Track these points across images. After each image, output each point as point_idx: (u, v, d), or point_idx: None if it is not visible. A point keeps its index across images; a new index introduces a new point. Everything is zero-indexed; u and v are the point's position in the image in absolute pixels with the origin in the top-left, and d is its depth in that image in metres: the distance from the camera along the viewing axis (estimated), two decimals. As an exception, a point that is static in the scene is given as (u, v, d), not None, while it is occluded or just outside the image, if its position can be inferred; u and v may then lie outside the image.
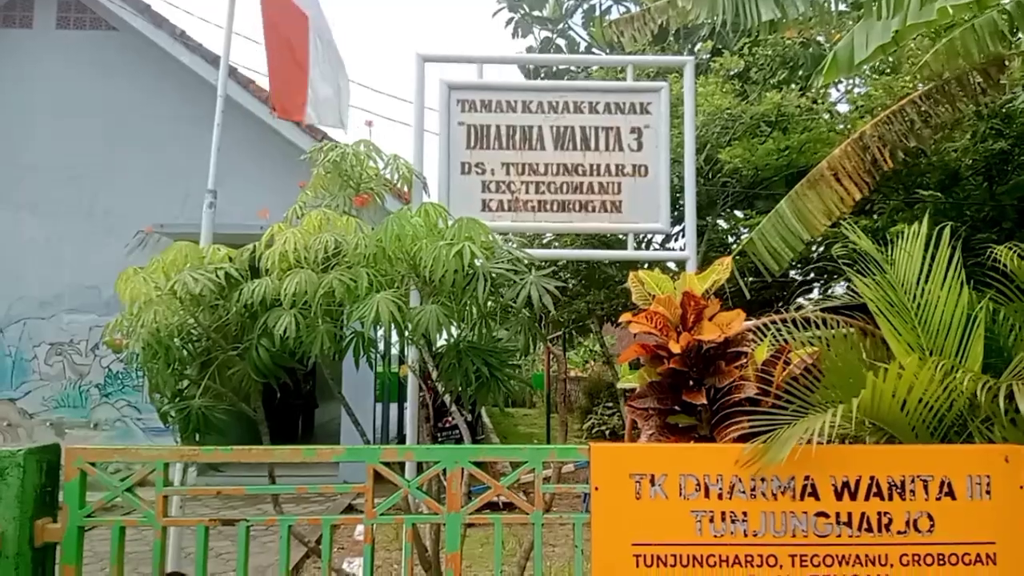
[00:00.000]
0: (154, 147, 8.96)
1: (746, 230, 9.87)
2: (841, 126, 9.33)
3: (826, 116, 9.51)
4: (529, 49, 15.98)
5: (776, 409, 2.58)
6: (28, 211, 8.96)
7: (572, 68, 12.73)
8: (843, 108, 10.10)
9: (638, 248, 7.04)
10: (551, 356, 15.79)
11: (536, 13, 15.85)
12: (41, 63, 8.98)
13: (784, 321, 3.54)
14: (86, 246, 8.93)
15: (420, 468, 3.59)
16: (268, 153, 8.76)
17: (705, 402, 2.69)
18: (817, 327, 3.50)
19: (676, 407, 2.76)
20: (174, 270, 3.49)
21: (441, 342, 3.84)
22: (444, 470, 2.54)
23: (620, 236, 6.67)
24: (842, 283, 8.75)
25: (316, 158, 4.40)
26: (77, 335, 9.09)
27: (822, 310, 3.66)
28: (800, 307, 6.81)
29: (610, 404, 14.64)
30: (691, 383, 2.78)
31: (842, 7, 8.33)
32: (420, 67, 4.98)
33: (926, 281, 3.04)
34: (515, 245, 6.72)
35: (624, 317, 2.96)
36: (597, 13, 15.22)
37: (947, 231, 3.06)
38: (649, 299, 3.09)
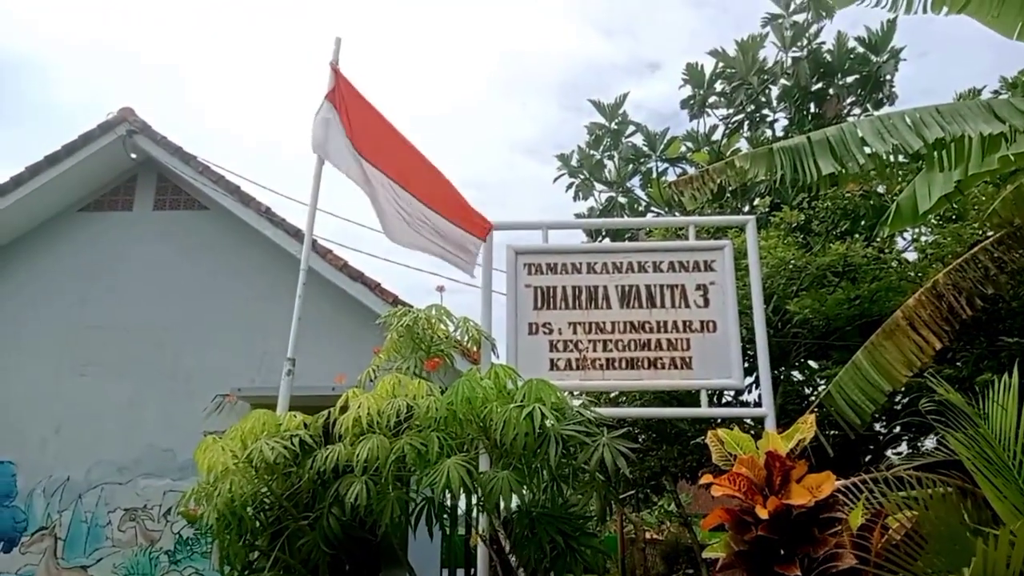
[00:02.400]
0: (236, 314, 9.39)
1: (822, 381, 9.55)
2: (912, 274, 9.19)
3: (895, 264, 9.40)
4: (591, 210, 16.53)
5: (879, 582, 2.38)
6: (114, 374, 9.36)
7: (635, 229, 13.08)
8: (911, 256, 9.99)
9: (711, 404, 6.86)
10: (624, 518, 15.10)
11: (596, 177, 16.54)
12: (137, 241, 9.72)
13: (876, 481, 3.34)
14: (166, 409, 9.20)
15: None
16: (344, 318, 9.07)
17: (799, 574, 2.50)
18: (912, 487, 3.29)
19: (768, 580, 2.57)
20: (251, 438, 3.54)
21: (512, 505, 3.73)
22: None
23: (691, 392, 6.53)
24: (932, 437, 8.26)
25: (390, 323, 4.53)
26: (151, 500, 9.17)
27: (915, 468, 3.45)
28: (890, 464, 6.42)
29: (690, 571, 13.72)
30: (782, 552, 2.60)
31: (900, 158, 8.45)
32: (488, 234, 5.19)
33: (1028, 437, 2.85)
34: (584, 404, 6.63)
35: (705, 478, 2.84)
36: (655, 175, 15.77)
37: (1042, 382, 2.91)
38: (730, 459, 2.97)
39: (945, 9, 5.71)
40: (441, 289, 5.31)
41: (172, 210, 9.90)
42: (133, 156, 9.53)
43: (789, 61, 13.66)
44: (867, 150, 5.75)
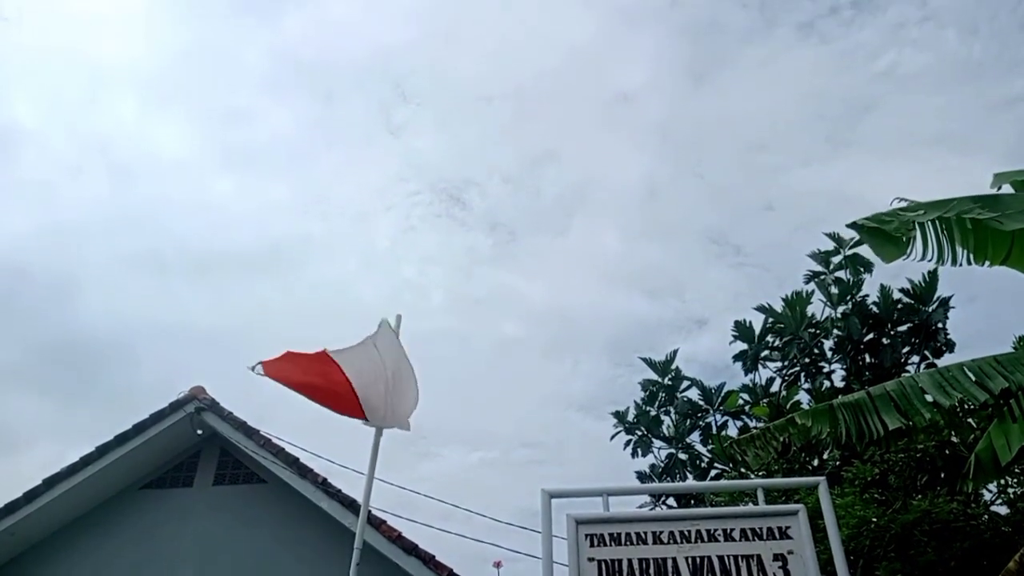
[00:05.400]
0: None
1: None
2: (1006, 529, 8.47)
3: (985, 518, 8.71)
4: (652, 467, 16.04)
5: None
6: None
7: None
8: (1002, 510, 9.28)
9: None
10: None
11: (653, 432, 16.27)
12: (194, 517, 9.67)
13: None
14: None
15: None
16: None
17: None
18: None
19: None
20: None
21: None
22: None
23: None
24: None
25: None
26: None
27: None
28: None
29: None
30: None
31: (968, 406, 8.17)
32: (546, 503, 5.03)
33: None
34: None
35: None
36: (715, 429, 15.46)
37: None
38: None
39: (987, 261, 5.85)
40: (499, 565, 5.05)
41: (231, 484, 9.94)
42: (199, 432, 9.81)
43: (838, 315, 13.86)
44: (929, 398, 5.61)
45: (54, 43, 29.34)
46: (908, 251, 5.84)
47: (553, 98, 32.15)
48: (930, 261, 6.22)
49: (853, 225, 6.10)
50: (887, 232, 5.82)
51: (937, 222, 5.68)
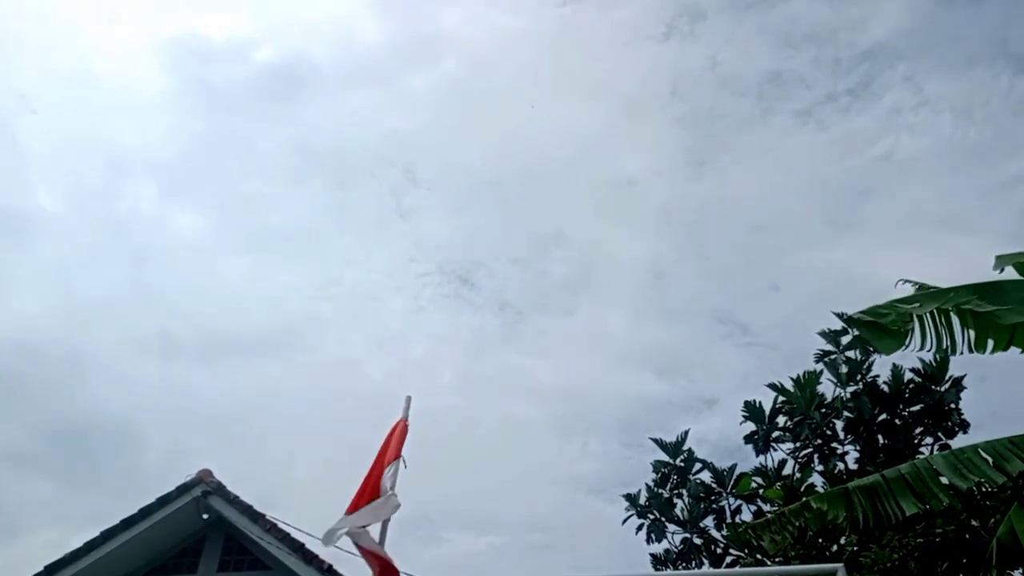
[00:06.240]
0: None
1: None
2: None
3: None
4: (666, 552, 15.62)
5: None
6: None
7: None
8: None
9: None
10: None
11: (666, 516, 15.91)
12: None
13: None
14: None
15: None
16: None
17: None
18: None
19: None
20: None
21: None
22: None
23: None
24: None
25: None
26: None
27: None
28: None
29: None
30: None
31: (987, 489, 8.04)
32: None
33: None
34: None
35: None
36: (728, 513, 15.14)
37: None
38: None
39: (991, 345, 5.87)
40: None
41: (236, 571, 9.74)
42: (205, 516, 9.67)
43: (848, 395, 13.75)
44: (945, 481, 5.53)
45: (77, 131, 30.37)
46: (907, 342, 5.87)
47: (560, 181, 32.83)
48: (929, 351, 6.23)
49: (850, 319, 6.18)
50: (884, 325, 5.86)
51: (936, 312, 5.74)
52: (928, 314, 5.78)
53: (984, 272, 6.26)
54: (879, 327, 5.90)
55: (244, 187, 31.22)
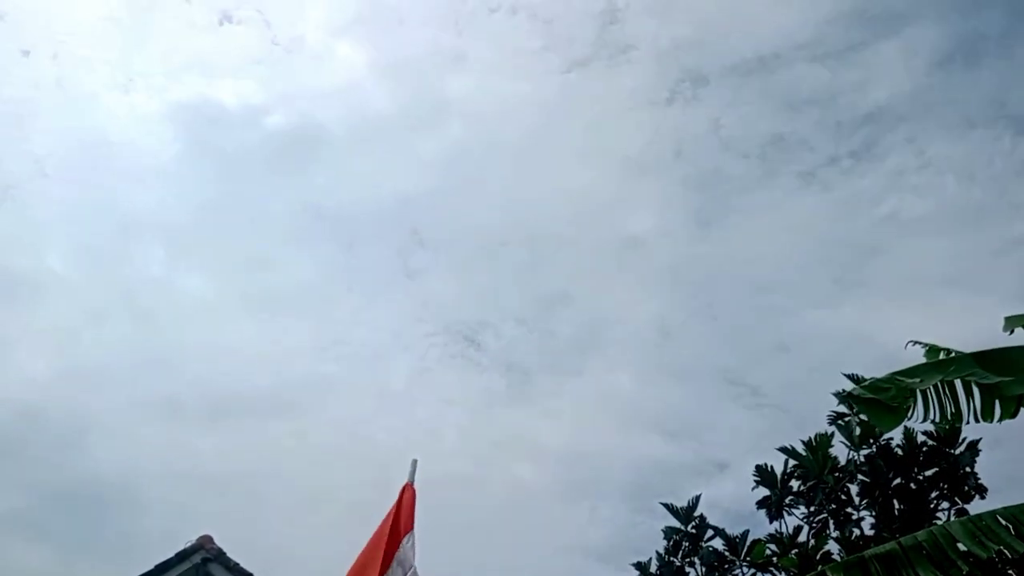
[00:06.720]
0: None
1: None
2: None
3: None
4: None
5: None
6: None
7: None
8: None
9: None
10: None
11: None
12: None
13: None
14: None
15: None
16: None
17: None
18: None
19: None
20: None
21: None
22: None
23: None
24: None
25: None
26: None
27: None
28: None
29: None
30: None
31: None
32: None
33: None
34: None
35: None
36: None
37: None
38: None
39: (998, 414, 5.78)
40: None
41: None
42: (204, 585, 9.49)
43: (862, 458, 13.51)
44: (963, 547, 5.37)
45: (89, 194, 30.93)
46: (909, 415, 5.77)
47: (565, 242, 33.02)
48: (933, 422, 6.13)
49: (848, 396, 6.11)
50: (883, 402, 5.77)
51: (939, 384, 5.65)
52: (931, 387, 5.68)
53: (993, 330, 6.20)
54: (878, 404, 5.79)
55: (252, 249, 31.55)
